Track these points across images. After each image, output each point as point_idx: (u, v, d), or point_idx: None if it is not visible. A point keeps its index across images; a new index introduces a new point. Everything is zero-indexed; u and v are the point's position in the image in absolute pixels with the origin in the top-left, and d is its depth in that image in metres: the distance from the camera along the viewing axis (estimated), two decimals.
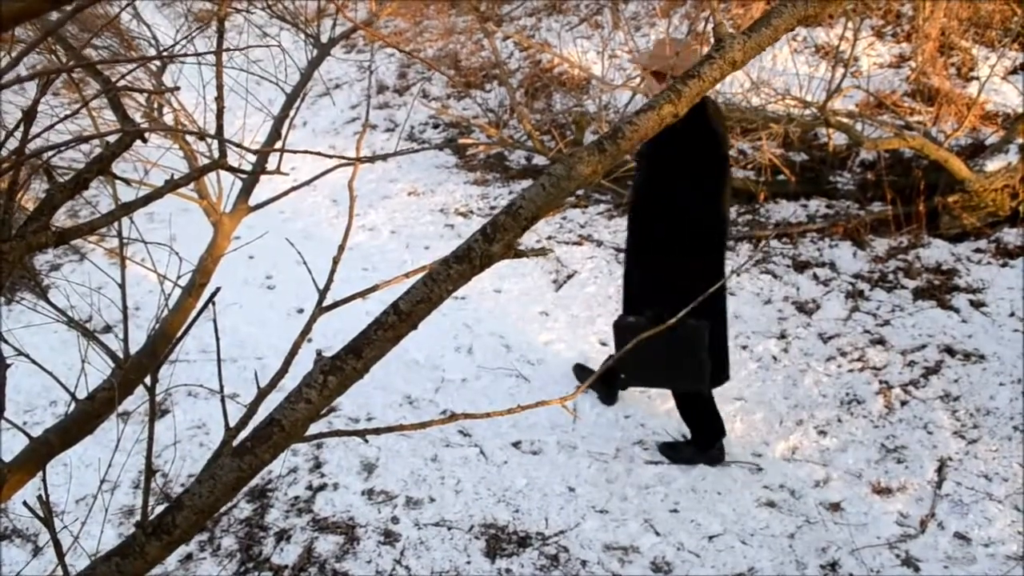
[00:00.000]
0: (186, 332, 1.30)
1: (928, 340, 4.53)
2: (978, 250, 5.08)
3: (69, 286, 4.40)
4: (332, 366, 1.13)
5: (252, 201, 2.29)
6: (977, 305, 4.70)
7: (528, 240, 5.86)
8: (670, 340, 3.18)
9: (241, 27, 5.88)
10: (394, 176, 7.00)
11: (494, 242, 1.08)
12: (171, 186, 1.26)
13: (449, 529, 3.67)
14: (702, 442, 4.01)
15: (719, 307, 3.72)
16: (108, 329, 4.91)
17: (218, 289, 1.31)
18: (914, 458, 3.89)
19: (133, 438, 4.18)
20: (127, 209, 1.17)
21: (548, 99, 7.65)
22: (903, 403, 4.19)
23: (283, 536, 3.68)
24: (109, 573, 1.01)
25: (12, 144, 1.20)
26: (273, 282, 5.73)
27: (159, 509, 1.49)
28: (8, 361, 1.72)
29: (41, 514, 1.18)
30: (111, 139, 1.21)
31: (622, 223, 6.03)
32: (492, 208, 6.48)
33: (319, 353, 1.17)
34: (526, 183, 6.78)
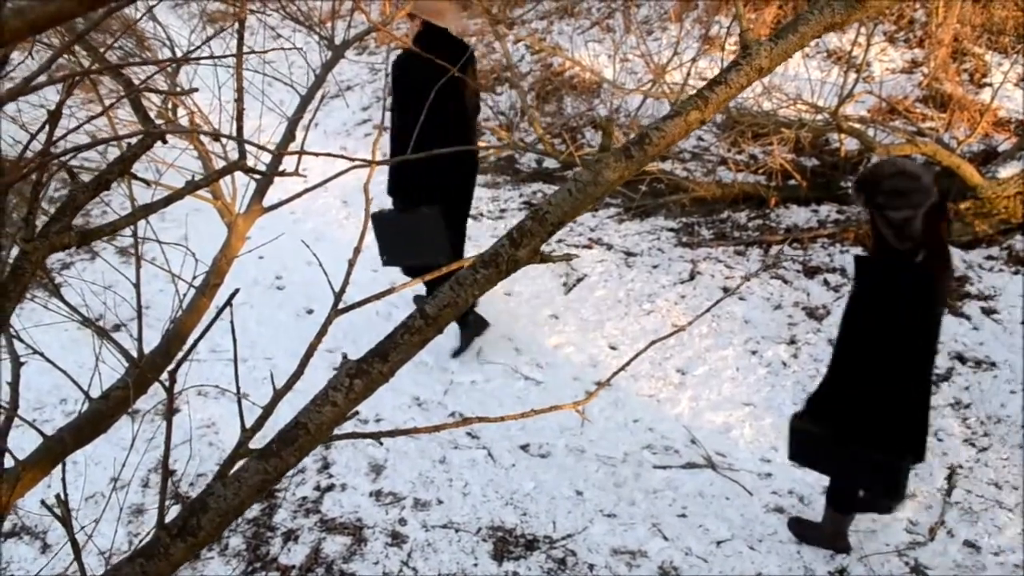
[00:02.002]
0: (206, 332, 1.30)
1: (939, 347, 4.51)
2: (990, 257, 5.06)
3: (79, 284, 4.42)
4: (358, 369, 1.13)
5: (266, 202, 2.29)
6: (988, 312, 4.68)
7: None
8: (412, 225, 4.49)
9: (254, 28, 5.90)
10: None
11: (521, 247, 1.08)
12: (191, 187, 1.26)
13: (457, 531, 3.67)
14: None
15: (453, 196, 4.62)
16: (118, 328, 4.92)
17: (237, 290, 1.32)
18: (924, 465, 3.87)
19: (141, 437, 4.19)
20: (148, 210, 1.17)
21: (559, 102, 7.65)
22: None
23: (291, 536, 3.69)
24: (134, 574, 1.01)
25: (24, 144, 1.20)
26: (283, 283, 5.74)
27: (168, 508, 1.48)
28: (21, 359, 1.73)
29: (59, 513, 1.19)
30: (130, 140, 1.21)
31: (632, 227, 6.02)
32: (502, 211, 6.48)
33: (345, 356, 1.17)
34: (536, 186, 6.78)
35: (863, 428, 3.10)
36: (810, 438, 3.30)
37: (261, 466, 1.12)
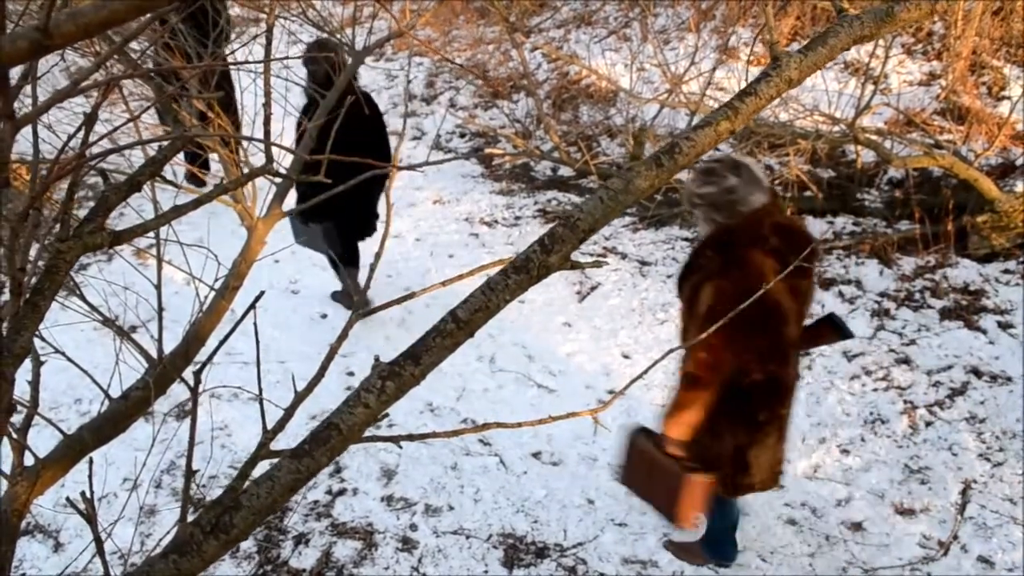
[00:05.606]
0: (230, 334, 1.31)
1: (954, 361, 4.49)
2: (1007, 271, 5.04)
3: (98, 285, 4.45)
4: (390, 372, 1.13)
5: (284, 207, 2.31)
6: (1005, 327, 4.66)
7: None
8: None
9: (274, 34, 5.93)
10: (420, 184, 7.03)
11: (552, 253, 1.09)
12: (219, 191, 1.28)
13: (467, 538, 3.67)
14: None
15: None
16: (135, 329, 4.95)
17: (262, 293, 1.32)
18: (938, 480, 3.85)
19: (155, 438, 4.21)
20: (178, 212, 1.18)
21: (575, 111, 7.66)
22: (928, 424, 4.16)
23: (301, 540, 3.70)
24: (167, 570, 1.02)
25: (59, 147, 1.22)
26: (297, 287, 5.77)
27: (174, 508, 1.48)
28: (41, 358, 1.74)
29: (84, 510, 1.20)
30: (162, 143, 1.23)
31: (647, 236, 6.02)
32: (517, 218, 6.49)
33: (377, 358, 1.18)
34: (551, 194, 6.79)
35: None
36: (297, 226, 5.00)
37: (294, 465, 1.13)
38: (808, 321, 3.07)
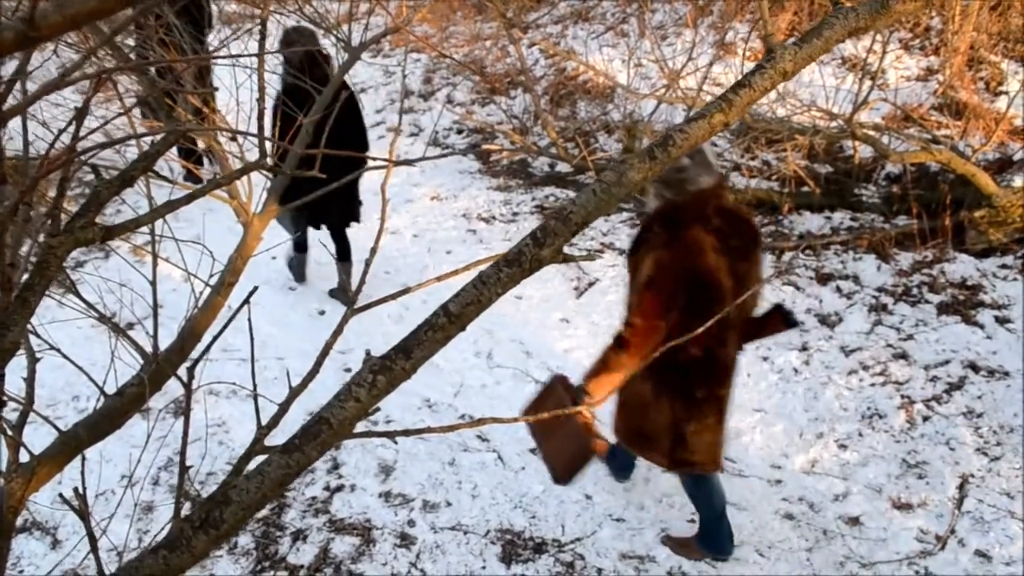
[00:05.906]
0: (224, 329, 1.31)
1: (952, 356, 4.49)
2: (1004, 266, 5.04)
3: (94, 282, 4.44)
4: (381, 366, 1.13)
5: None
6: (1002, 321, 4.66)
7: None
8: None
9: (270, 30, 5.92)
10: (417, 180, 7.02)
11: (544, 246, 1.09)
12: (213, 185, 1.27)
13: (465, 534, 3.67)
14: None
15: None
16: (131, 326, 4.94)
17: (256, 288, 1.32)
18: (935, 474, 3.86)
19: (151, 434, 4.20)
20: (171, 207, 1.18)
21: (573, 107, 7.65)
22: (925, 418, 4.16)
23: (299, 536, 3.70)
24: (156, 566, 1.02)
25: (49, 141, 1.22)
26: (294, 283, 5.76)
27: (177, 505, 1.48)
28: (37, 355, 1.74)
29: (77, 506, 1.19)
30: (155, 137, 1.22)
31: None
32: (515, 214, 6.49)
33: (368, 353, 1.17)
34: (549, 190, 6.79)
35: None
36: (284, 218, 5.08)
37: (283, 460, 1.12)
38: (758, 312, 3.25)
